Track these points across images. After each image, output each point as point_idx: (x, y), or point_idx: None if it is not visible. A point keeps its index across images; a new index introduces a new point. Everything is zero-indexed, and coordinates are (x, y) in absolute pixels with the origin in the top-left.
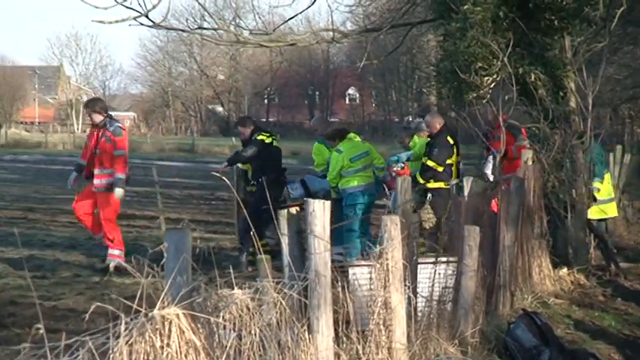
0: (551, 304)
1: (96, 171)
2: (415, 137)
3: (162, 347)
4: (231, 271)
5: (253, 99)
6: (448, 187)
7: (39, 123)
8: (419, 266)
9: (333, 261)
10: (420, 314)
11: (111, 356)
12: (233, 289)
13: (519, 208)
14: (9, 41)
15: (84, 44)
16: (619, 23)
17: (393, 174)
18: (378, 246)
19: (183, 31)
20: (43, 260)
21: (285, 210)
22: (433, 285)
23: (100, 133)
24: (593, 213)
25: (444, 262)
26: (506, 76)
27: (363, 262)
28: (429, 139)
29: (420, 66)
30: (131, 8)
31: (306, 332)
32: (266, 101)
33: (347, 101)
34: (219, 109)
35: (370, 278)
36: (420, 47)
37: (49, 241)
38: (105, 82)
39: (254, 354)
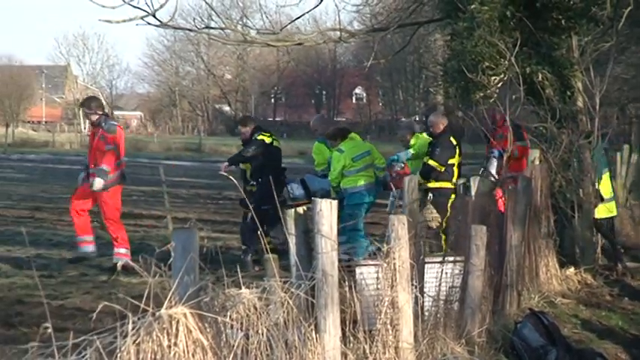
0: (558, 304)
1: (91, 170)
2: (416, 135)
3: (169, 346)
4: (239, 270)
5: (260, 98)
6: (449, 186)
7: (46, 122)
8: (426, 266)
9: (340, 260)
10: (427, 314)
11: (118, 355)
12: (240, 288)
13: (526, 208)
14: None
15: (91, 44)
16: (626, 23)
17: (394, 174)
18: (385, 245)
19: (190, 30)
20: (49, 259)
21: (293, 210)
22: (440, 284)
23: (97, 132)
24: (601, 212)
25: (451, 262)
26: (513, 76)
27: (370, 262)
28: (431, 138)
29: (427, 65)
30: (138, 8)
31: (314, 332)
32: (273, 101)
33: (354, 101)
34: (226, 108)
35: (377, 278)
36: (427, 47)
37: (56, 240)
38: (112, 82)
39: (261, 353)
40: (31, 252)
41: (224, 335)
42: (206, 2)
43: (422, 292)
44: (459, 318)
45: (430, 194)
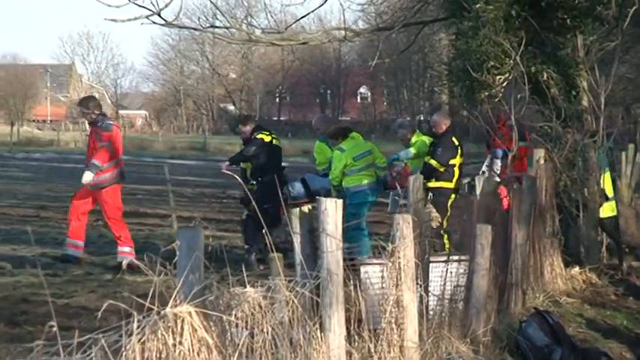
0: (563, 303)
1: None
2: (417, 134)
3: (174, 345)
4: (244, 269)
5: (265, 97)
6: (449, 187)
7: (51, 121)
8: (431, 265)
9: (345, 259)
10: (431, 313)
11: (123, 354)
12: (245, 287)
13: (531, 207)
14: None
15: (96, 42)
16: (631, 22)
17: (394, 173)
18: (390, 244)
19: (195, 29)
20: (55, 258)
21: (298, 209)
22: (445, 283)
23: (94, 132)
24: (606, 211)
25: (455, 261)
26: (518, 75)
27: (375, 261)
28: (432, 138)
29: (431, 65)
30: (143, 7)
31: (318, 330)
32: (277, 100)
33: (358, 100)
34: (231, 107)
35: (382, 277)
36: (432, 46)
37: (61, 239)
38: (117, 81)
39: (266, 352)
40: (36, 251)
41: (229, 334)
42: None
43: (427, 291)
44: (463, 317)
45: (430, 194)
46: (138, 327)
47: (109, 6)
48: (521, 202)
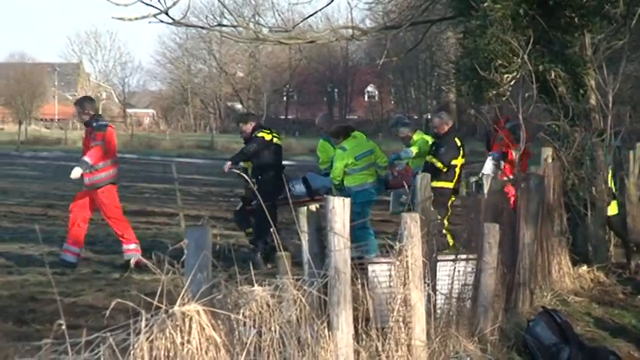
0: (571, 302)
1: (86, 170)
2: (418, 132)
3: (182, 343)
4: (251, 267)
5: (272, 96)
6: (450, 187)
7: (58, 120)
8: (438, 263)
9: (352, 258)
10: (439, 311)
11: (131, 353)
12: (253, 285)
13: (539, 206)
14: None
15: (103, 41)
16: (639, 21)
17: (395, 173)
18: (397, 243)
19: (202, 28)
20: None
21: (305, 207)
22: (452, 282)
23: (88, 132)
24: (613, 209)
25: (463, 260)
26: (526, 74)
27: (382, 260)
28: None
29: (439, 63)
30: (151, 5)
31: (326, 329)
32: (285, 98)
33: (366, 98)
34: (238, 106)
35: (390, 275)
36: (440, 45)
37: None
38: (124, 79)
39: (274, 351)
40: (44, 249)
41: (237, 332)
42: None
43: (434, 289)
44: (471, 316)
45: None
46: (146, 325)
47: (117, 4)
48: (529, 201)
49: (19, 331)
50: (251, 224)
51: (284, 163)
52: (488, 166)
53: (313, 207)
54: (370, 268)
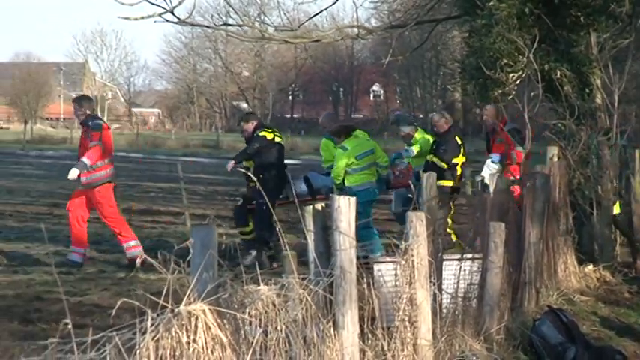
0: (577, 301)
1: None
2: (420, 130)
3: (188, 343)
4: (257, 267)
5: (278, 95)
6: (450, 185)
7: (64, 119)
8: (444, 263)
9: (358, 257)
10: (445, 311)
11: (137, 352)
12: (259, 285)
13: (545, 205)
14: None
15: (109, 41)
16: None
17: (397, 172)
18: (403, 242)
19: (208, 27)
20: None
21: (311, 206)
22: (458, 281)
23: (85, 131)
24: (616, 208)
25: (469, 259)
26: (531, 73)
27: (388, 259)
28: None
29: (444, 62)
30: (157, 5)
31: (332, 328)
32: (290, 98)
33: (371, 97)
34: (244, 105)
35: (395, 274)
36: (445, 44)
37: None
38: (130, 79)
39: (280, 350)
40: (49, 248)
41: (243, 332)
42: None
43: (440, 289)
44: (477, 315)
45: None
46: (152, 325)
47: (123, 4)
48: (535, 200)
49: (24, 331)
50: (248, 223)
51: (286, 162)
52: (487, 168)
53: (319, 206)
54: (376, 267)
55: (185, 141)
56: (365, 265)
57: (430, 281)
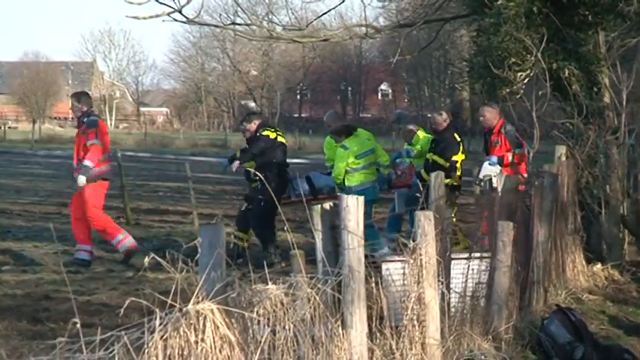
0: (585, 300)
1: (75, 166)
2: (419, 132)
3: (196, 342)
4: (265, 266)
5: (286, 94)
6: (452, 183)
7: (72, 119)
8: (452, 262)
9: (366, 256)
10: (453, 310)
11: (146, 351)
12: (267, 284)
13: (553, 204)
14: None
15: (117, 40)
16: None
17: (399, 172)
18: (411, 241)
19: (216, 26)
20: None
21: (319, 205)
22: (466, 280)
23: (81, 128)
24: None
25: (477, 258)
26: (539, 72)
27: (396, 258)
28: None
29: (452, 61)
30: (165, 4)
31: (340, 327)
32: (298, 97)
33: (379, 97)
34: (252, 104)
35: (404, 274)
36: (453, 43)
37: None
38: (138, 78)
39: (288, 349)
40: (58, 248)
41: (251, 331)
42: None
43: (448, 288)
44: (485, 314)
45: None
46: (160, 324)
47: (131, 3)
48: (543, 199)
49: (33, 330)
50: (248, 230)
51: (292, 161)
52: (485, 170)
53: (327, 205)
54: (384, 266)
55: (193, 140)
56: (373, 264)
57: (438, 280)
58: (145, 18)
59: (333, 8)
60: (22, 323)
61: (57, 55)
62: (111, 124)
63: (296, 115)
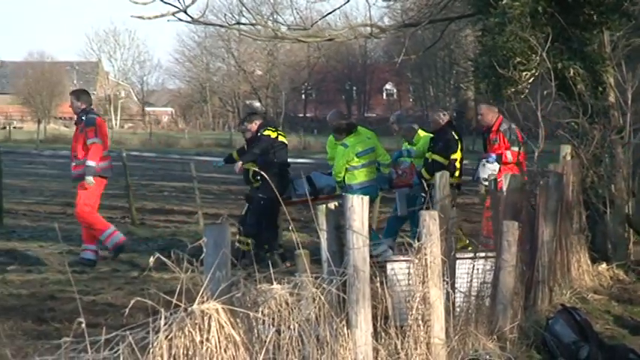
0: (590, 300)
1: (73, 163)
2: (420, 131)
3: (201, 342)
4: (270, 266)
5: (291, 94)
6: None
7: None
8: (457, 261)
9: (371, 256)
10: (458, 309)
11: (151, 351)
12: (272, 284)
13: (558, 204)
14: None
15: (122, 40)
16: None
17: (400, 171)
18: (416, 241)
19: (221, 26)
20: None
21: (324, 205)
22: (471, 280)
23: (80, 127)
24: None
25: (482, 258)
26: (544, 71)
27: (401, 258)
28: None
29: (457, 61)
30: (170, 4)
31: (345, 327)
32: (303, 96)
33: (384, 96)
34: (257, 104)
35: (408, 273)
36: (458, 42)
37: None
38: (143, 78)
39: (293, 349)
40: (63, 248)
41: (256, 331)
42: None
43: (453, 287)
44: (490, 314)
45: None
46: (165, 324)
47: (136, 3)
48: (548, 199)
49: (38, 330)
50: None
51: (295, 161)
52: (485, 169)
53: (332, 205)
54: (389, 266)
55: (198, 140)
56: (378, 263)
57: (443, 280)
58: (149, 18)
59: (338, 8)
60: (27, 323)
61: (62, 55)
62: (116, 124)
63: (301, 115)
